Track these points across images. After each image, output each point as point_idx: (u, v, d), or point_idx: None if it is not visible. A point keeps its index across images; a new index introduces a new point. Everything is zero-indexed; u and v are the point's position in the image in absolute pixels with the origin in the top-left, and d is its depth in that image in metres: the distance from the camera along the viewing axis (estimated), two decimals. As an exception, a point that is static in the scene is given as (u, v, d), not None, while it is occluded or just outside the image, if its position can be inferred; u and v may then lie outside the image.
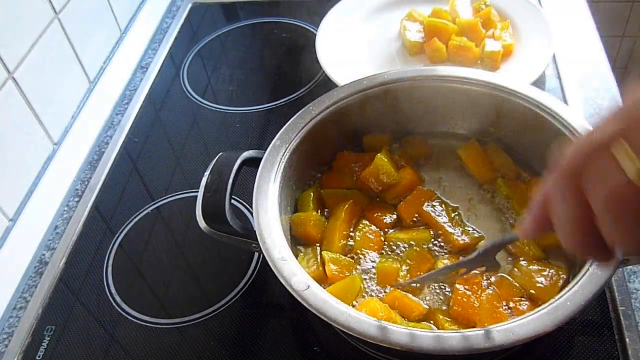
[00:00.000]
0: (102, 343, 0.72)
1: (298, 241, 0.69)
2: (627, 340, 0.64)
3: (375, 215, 0.71)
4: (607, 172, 0.36)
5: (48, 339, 0.73)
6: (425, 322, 0.62)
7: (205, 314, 0.73)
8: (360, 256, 0.68)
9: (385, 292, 0.65)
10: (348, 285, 0.63)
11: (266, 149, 0.69)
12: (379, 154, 0.73)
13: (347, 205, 0.70)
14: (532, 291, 0.62)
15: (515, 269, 0.64)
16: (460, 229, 0.69)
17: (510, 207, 0.71)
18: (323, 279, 0.65)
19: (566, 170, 0.39)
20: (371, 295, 0.64)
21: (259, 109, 1.01)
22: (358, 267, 0.67)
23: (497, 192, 0.73)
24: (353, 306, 0.60)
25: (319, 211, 0.72)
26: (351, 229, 0.71)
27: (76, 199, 0.90)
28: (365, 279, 0.66)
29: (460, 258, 0.65)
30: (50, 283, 0.79)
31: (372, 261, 0.68)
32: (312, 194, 0.73)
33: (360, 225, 0.70)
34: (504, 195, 0.72)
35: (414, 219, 0.71)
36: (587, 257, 0.47)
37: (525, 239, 0.49)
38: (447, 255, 0.67)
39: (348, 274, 0.65)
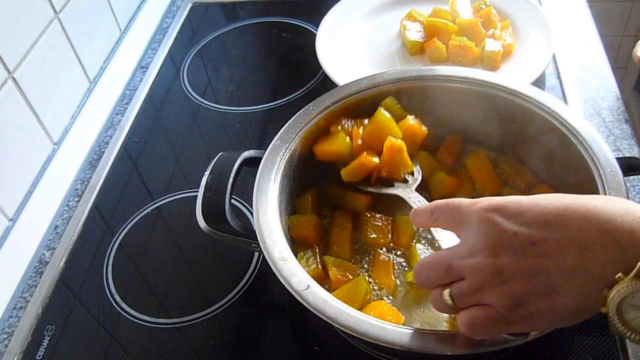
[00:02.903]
0: (102, 343, 0.72)
1: (296, 242, 0.69)
2: (627, 340, 0.64)
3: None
4: None
5: (48, 339, 0.73)
6: None
7: (205, 314, 0.73)
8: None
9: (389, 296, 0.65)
10: (354, 288, 0.63)
11: (266, 149, 0.69)
12: (380, 109, 0.71)
13: (349, 213, 0.72)
14: None
15: None
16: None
17: None
18: (323, 279, 0.65)
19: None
20: (381, 298, 0.65)
21: (259, 109, 1.01)
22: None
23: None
24: (361, 309, 0.60)
25: (318, 213, 0.73)
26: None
27: (76, 199, 0.90)
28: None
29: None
30: (50, 283, 0.79)
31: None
32: (310, 195, 0.73)
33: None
34: None
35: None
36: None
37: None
38: None
39: (352, 277, 0.65)
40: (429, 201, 0.61)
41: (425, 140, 0.77)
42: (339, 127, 0.72)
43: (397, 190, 0.69)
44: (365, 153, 0.70)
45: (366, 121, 0.72)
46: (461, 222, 0.47)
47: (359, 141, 0.71)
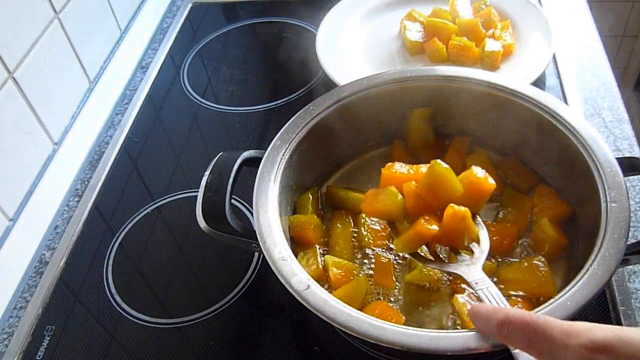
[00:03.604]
0: (102, 343, 0.72)
1: (296, 242, 0.69)
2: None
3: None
4: None
5: (48, 339, 0.73)
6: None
7: (205, 314, 0.73)
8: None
9: (389, 296, 0.65)
10: (354, 288, 0.63)
11: (266, 149, 0.69)
12: (435, 161, 0.61)
13: (349, 213, 0.72)
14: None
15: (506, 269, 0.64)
16: None
17: (498, 217, 0.70)
18: (323, 279, 0.65)
19: None
20: (378, 298, 0.65)
21: (259, 109, 1.01)
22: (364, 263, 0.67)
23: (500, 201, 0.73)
24: (361, 309, 0.60)
25: (318, 213, 0.72)
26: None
27: (76, 199, 0.90)
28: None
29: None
30: (50, 283, 0.79)
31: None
32: (310, 196, 0.72)
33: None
34: (502, 202, 0.72)
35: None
36: None
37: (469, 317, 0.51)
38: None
39: (352, 277, 0.65)
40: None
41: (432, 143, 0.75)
42: (391, 171, 0.63)
43: (461, 270, 0.59)
44: (422, 220, 0.60)
45: (423, 168, 0.63)
46: (549, 354, 0.39)
47: (413, 199, 0.61)
